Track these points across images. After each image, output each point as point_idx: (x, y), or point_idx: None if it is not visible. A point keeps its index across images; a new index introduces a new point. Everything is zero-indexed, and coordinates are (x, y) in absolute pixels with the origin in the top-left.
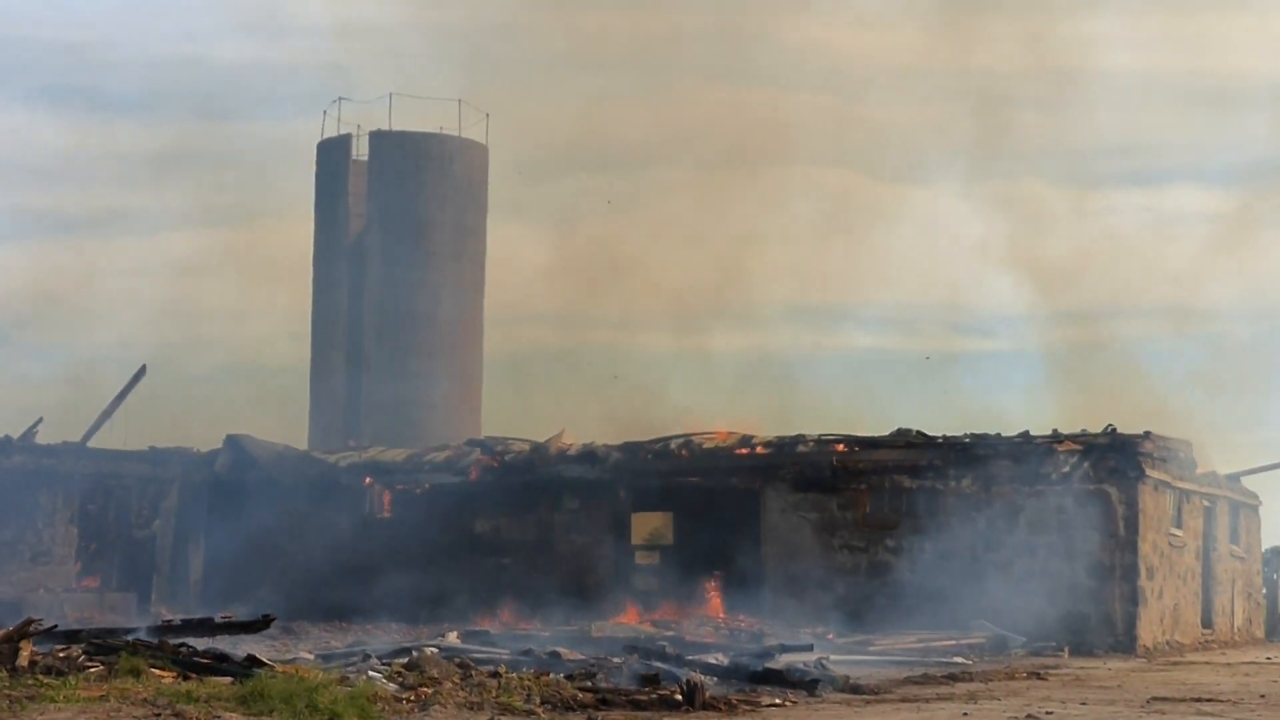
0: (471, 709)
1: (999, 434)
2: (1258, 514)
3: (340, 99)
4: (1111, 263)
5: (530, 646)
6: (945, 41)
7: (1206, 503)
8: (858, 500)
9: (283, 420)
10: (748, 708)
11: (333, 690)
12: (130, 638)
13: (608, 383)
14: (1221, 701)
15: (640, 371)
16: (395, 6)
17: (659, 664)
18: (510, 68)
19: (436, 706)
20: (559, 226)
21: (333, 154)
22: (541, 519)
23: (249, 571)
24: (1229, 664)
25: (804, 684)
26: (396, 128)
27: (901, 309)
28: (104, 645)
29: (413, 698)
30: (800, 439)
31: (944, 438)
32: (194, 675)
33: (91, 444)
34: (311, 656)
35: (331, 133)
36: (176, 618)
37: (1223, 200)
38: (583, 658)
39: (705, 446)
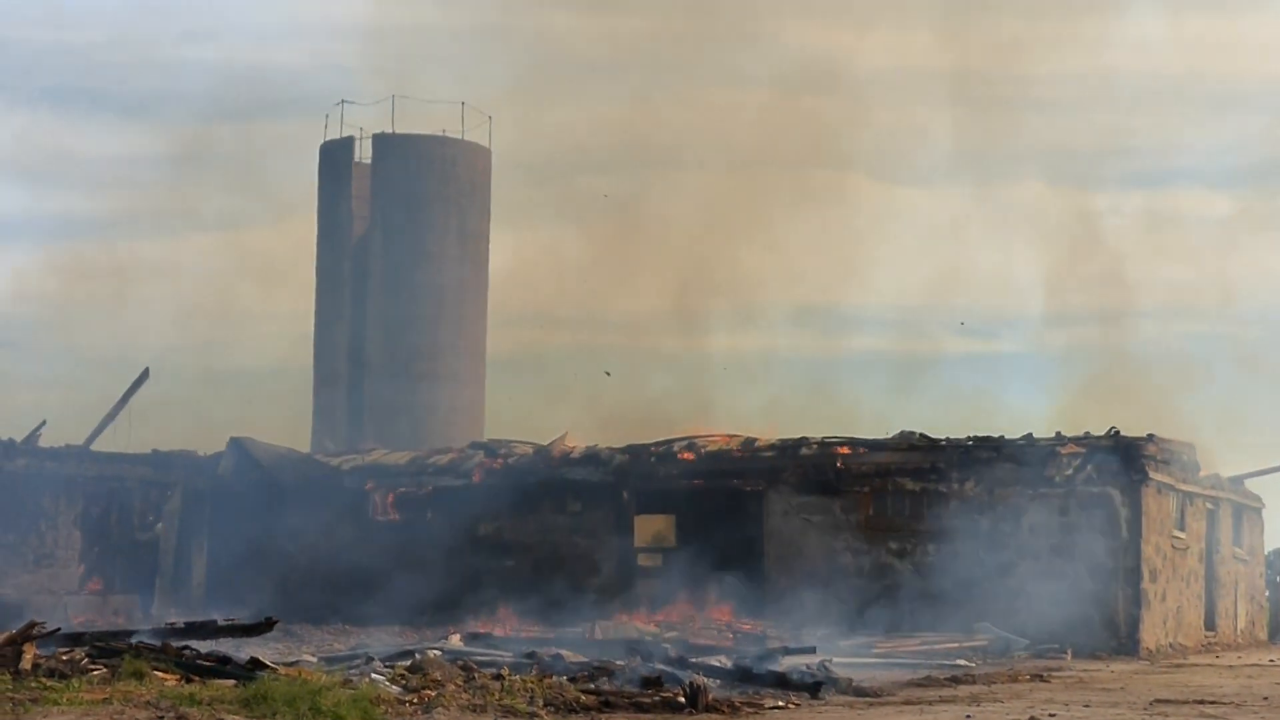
0: (475, 711)
1: (1002, 436)
2: (1261, 516)
3: (343, 102)
4: (1114, 264)
5: (533, 649)
6: (948, 42)
7: (1210, 505)
8: (861, 503)
9: (286, 423)
10: (751, 710)
11: (336, 693)
12: (133, 640)
13: (610, 385)
14: (1224, 704)
15: (643, 373)
16: (398, 9)
17: (662, 666)
18: (513, 70)
19: (440, 709)
20: (562, 229)
21: (336, 157)
22: (545, 521)
23: (252, 574)
24: (1232, 666)
25: (807, 686)
26: (399, 130)
27: (904, 310)
28: (107, 648)
29: (416, 700)
30: (803, 441)
31: (947, 440)
32: (197, 678)
33: (95, 447)
34: (314, 659)
35: (334, 135)
36: (180, 620)
37: (1227, 201)
38: (586, 660)
39: (708, 449)
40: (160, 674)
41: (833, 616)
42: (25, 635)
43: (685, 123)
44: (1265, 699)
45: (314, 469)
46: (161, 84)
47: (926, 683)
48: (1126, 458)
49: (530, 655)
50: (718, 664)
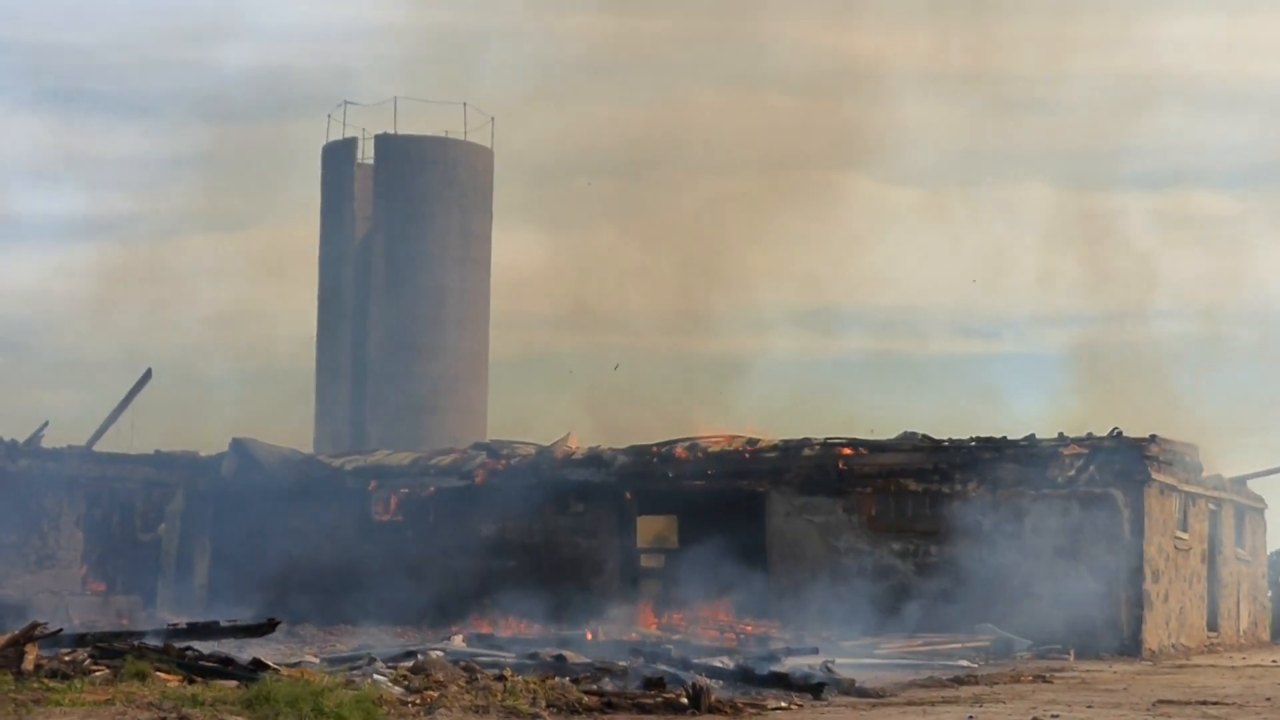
0: (477, 712)
1: (1005, 437)
2: (1263, 517)
3: (345, 103)
4: (1118, 265)
5: (536, 650)
6: (951, 44)
7: (1212, 506)
8: (863, 503)
9: (288, 424)
10: (753, 711)
11: (338, 694)
12: (136, 641)
13: (612, 385)
14: (1227, 704)
15: (645, 374)
16: (400, 10)
17: (664, 667)
18: (515, 71)
19: (442, 710)
20: (564, 230)
21: (338, 158)
22: (547, 522)
23: (254, 575)
24: (1234, 667)
25: (809, 687)
26: (401, 131)
27: (907, 312)
28: (110, 649)
29: (418, 701)
30: (806, 442)
31: (950, 441)
32: (199, 679)
33: (97, 448)
34: (317, 660)
35: (336, 136)
36: (182, 621)
37: (1232, 202)
38: (588, 661)
39: (711, 450)
40: (163, 675)
41: (835, 617)
42: (28, 636)
43: (687, 123)
44: (1268, 700)
45: (316, 470)
46: (163, 85)
47: (929, 683)
48: (1129, 458)
49: (533, 656)
50: (720, 665)
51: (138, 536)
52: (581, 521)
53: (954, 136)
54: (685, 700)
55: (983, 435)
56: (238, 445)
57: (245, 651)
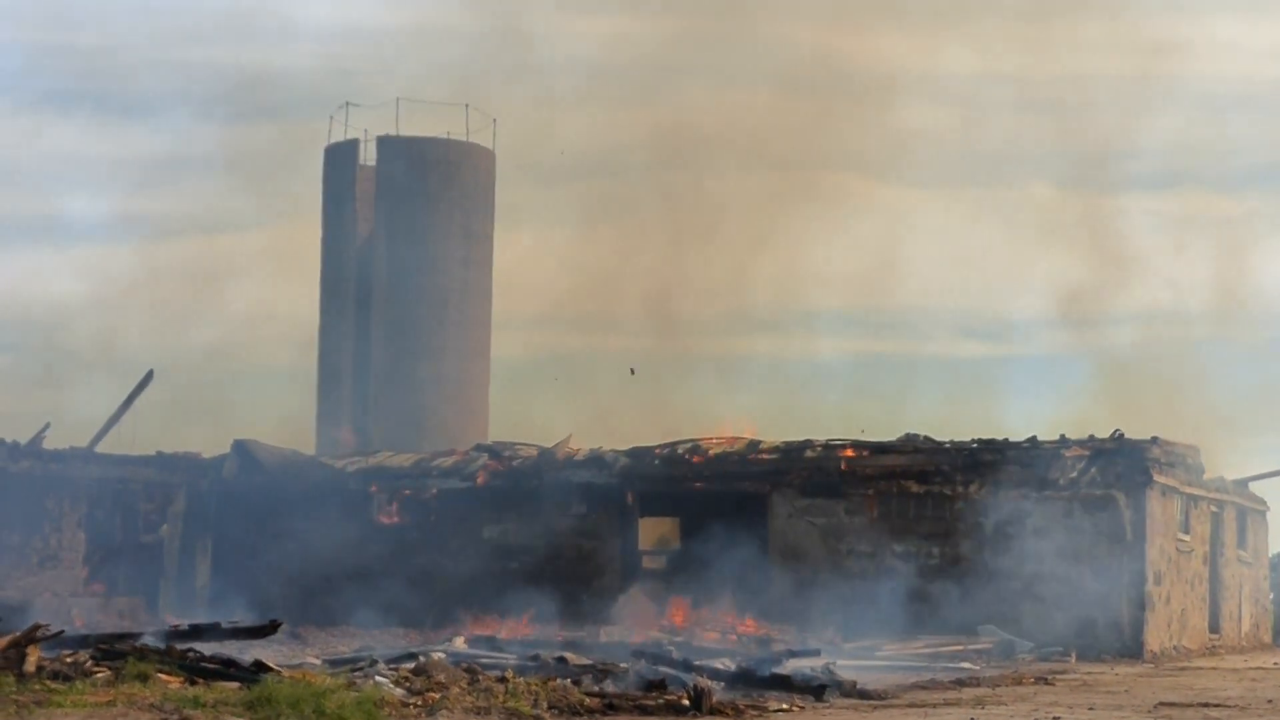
0: (479, 714)
1: (1007, 439)
2: (1265, 519)
3: (348, 104)
4: (1120, 267)
5: (537, 651)
6: (954, 45)
7: (1214, 508)
8: (865, 505)
9: (290, 426)
10: (755, 713)
11: (340, 695)
12: (137, 643)
13: (614, 386)
14: (1229, 707)
15: (647, 375)
16: (402, 11)
17: (666, 669)
18: (517, 72)
19: (444, 712)
20: (566, 231)
21: (340, 159)
22: (548, 524)
23: (256, 577)
24: (1236, 669)
25: (811, 689)
26: (404, 133)
27: (910, 313)
28: (111, 650)
29: (420, 703)
30: (808, 444)
31: (951, 443)
32: (201, 680)
33: (99, 449)
34: (319, 661)
35: (339, 138)
36: (184, 622)
37: (1234, 204)
38: (590, 663)
39: (713, 451)
40: (164, 676)
41: (837, 619)
42: (29, 637)
43: (689, 124)
44: (1269, 702)
45: (318, 471)
46: (165, 86)
47: (931, 685)
48: (1131, 460)
49: (534, 658)
50: (722, 667)
51: (139, 538)
52: (583, 523)
53: (954, 137)
54: (687, 702)
55: (985, 437)
56: (239, 447)
57: (247, 653)
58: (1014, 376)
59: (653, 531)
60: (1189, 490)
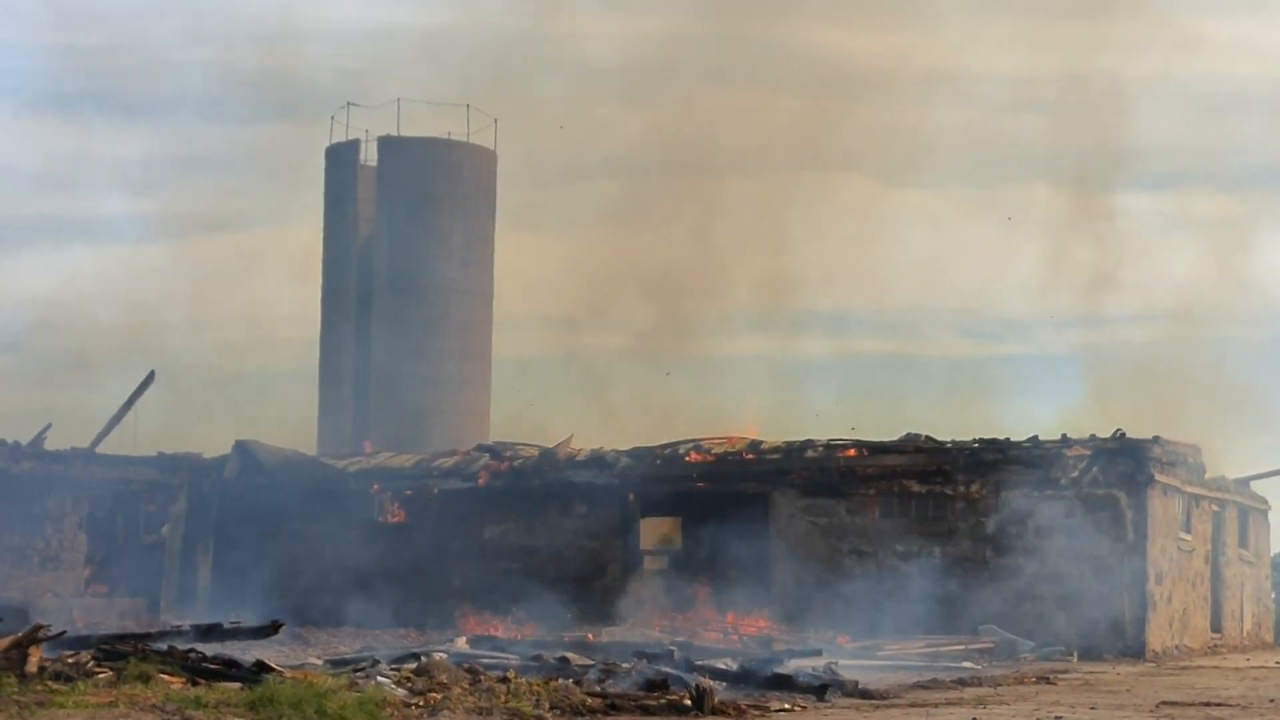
0: (480, 714)
1: (1008, 439)
2: (1267, 519)
3: (349, 104)
4: (1120, 267)
5: (539, 652)
6: (955, 45)
7: (1215, 507)
8: (866, 505)
9: (291, 426)
10: (757, 713)
11: (342, 696)
12: (139, 643)
13: (614, 387)
14: (1231, 706)
15: (648, 376)
16: (403, 12)
17: (668, 669)
18: (518, 73)
19: (445, 712)
20: (567, 232)
21: (342, 159)
22: (550, 524)
23: (258, 577)
24: (1238, 669)
25: (813, 689)
26: (405, 133)
27: (911, 313)
28: (113, 651)
29: (422, 703)
30: (809, 444)
31: (953, 443)
32: (203, 681)
33: (100, 450)
34: (320, 662)
35: (340, 138)
36: (185, 623)
37: (1235, 203)
38: (591, 663)
39: (714, 451)
40: (166, 677)
41: (838, 619)
42: (31, 638)
43: (690, 125)
44: (1271, 701)
45: (319, 471)
46: (166, 86)
47: (932, 685)
48: (1132, 460)
49: (536, 658)
50: (723, 666)
51: (141, 538)
52: (585, 523)
53: (954, 137)
54: (689, 702)
55: (986, 437)
56: (241, 447)
57: (249, 653)
58: (1014, 376)
59: (654, 531)
60: (1190, 489)
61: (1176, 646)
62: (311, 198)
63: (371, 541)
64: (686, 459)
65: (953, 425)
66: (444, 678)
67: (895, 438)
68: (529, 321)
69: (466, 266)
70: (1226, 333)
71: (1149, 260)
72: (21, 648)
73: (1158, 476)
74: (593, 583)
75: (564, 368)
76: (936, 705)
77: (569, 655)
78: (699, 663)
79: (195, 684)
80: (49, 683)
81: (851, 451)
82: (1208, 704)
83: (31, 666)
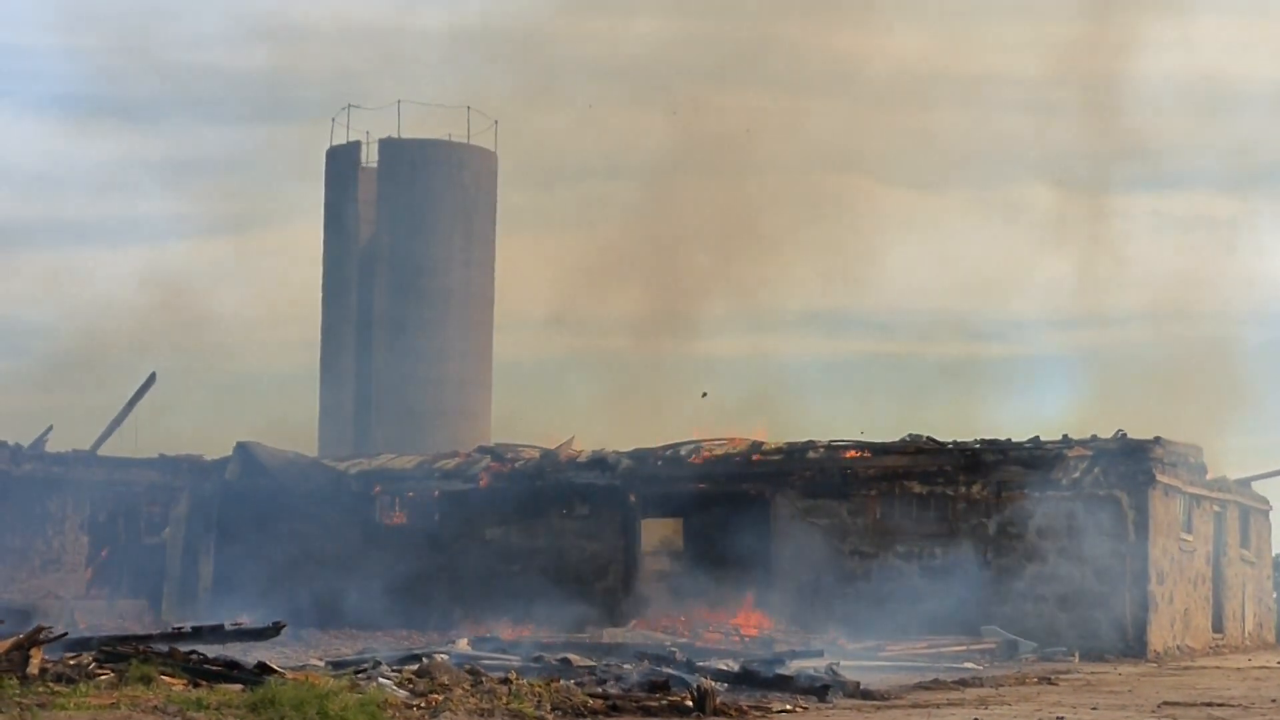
0: (482, 716)
1: (1009, 439)
2: (1268, 519)
3: (349, 106)
4: (1121, 267)
5: (541, 653)
6: (955, 46)
7: (1217, 508)
8: (868, 506)
9: (292, 428)
10: (758, 714)
11: (343, 697)
12: (141, 645)
13: (614, 388)
14: (1232, 706)
15: (649, 376)
16: (404, 13)
17: (669, 670)
18: (518, 74)
19: (447, 713)
20: (567, 232)
21: (342, 161)
22: (551, 526)
23: (259, 578)
24: (1240, 669)
25: (814, 690)
26: (405, 135)
27: (912, 314)
28: (114, 653)
29: (423, 704)
30: (810, 445)
31: (954, 443)
32: (204, 682)
33: (101, 452)
34: (322, 663)
35: (340, 140)
36: (187, 625)
37: (1235, 203)
38: (593, 664)
39: (716, 453)
40: (167, 679)
41: (840, 620)
42: (33, 640)
43: (691, 126)
44: (1273, 701)
45: (320, 473)
46: (167, 89)
47: (934, 686)
48: (1134, 460)
49: (538, 659)
50: (725, 667)
51: (142, 540)
52: (586, 525)
53: (955, 138)
54: (690, 703)
55: (987, 438)
56: (242, 449)
57: (250, 655)
58: (1016, 377)
59: (655, 533)
60: (1192, 490)
61: (1178, 647)
62: (312, 199)
63: (372, 543)
64: (688, 460)
65: (954, 426)
66: (445, 679)
67: (897, 439)
68: (529, 322)
69: (467, 268)
70: (1227, 333)
71: (1149, 260)
72: (23, 649)
73: (1159, 477)
74: (594, 584)
75: (564, 368)
76: (938, 706)
77: (570, 656)
78: (700, 664)
79: (197, 685)
80: (51, 684)
81: (853, 453)
82: (1209, 704)
83: (33, 668)
